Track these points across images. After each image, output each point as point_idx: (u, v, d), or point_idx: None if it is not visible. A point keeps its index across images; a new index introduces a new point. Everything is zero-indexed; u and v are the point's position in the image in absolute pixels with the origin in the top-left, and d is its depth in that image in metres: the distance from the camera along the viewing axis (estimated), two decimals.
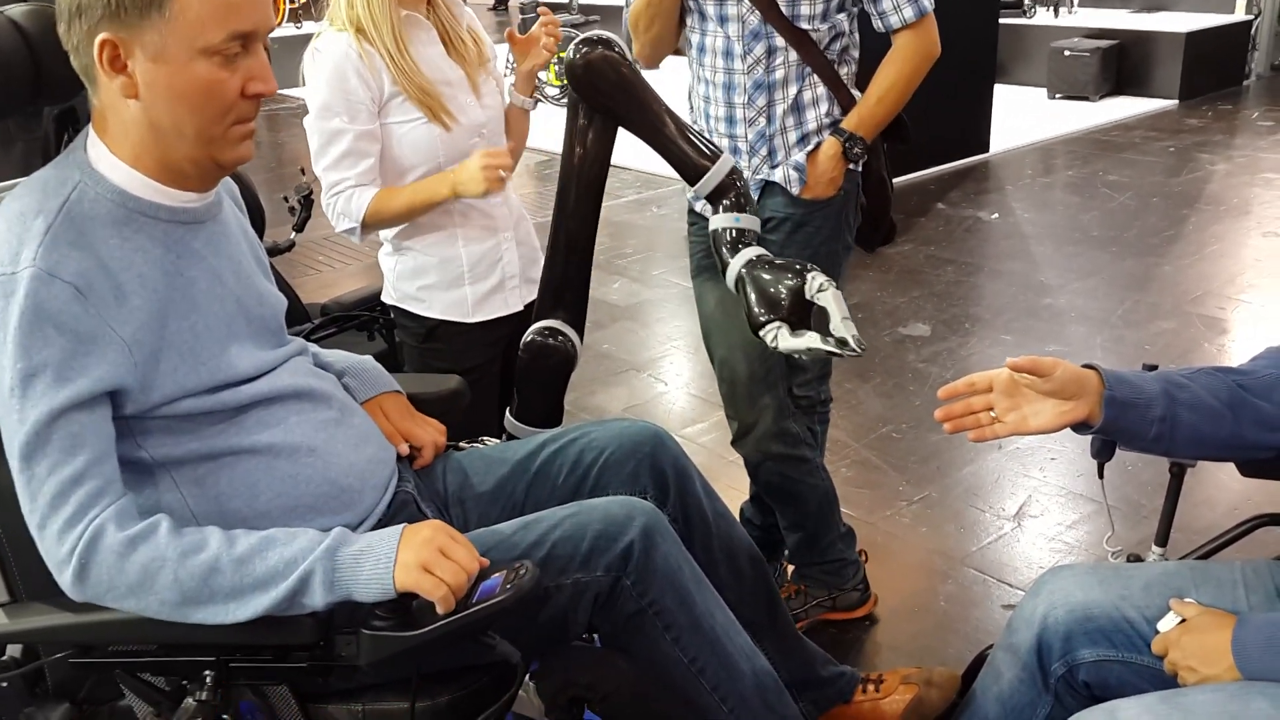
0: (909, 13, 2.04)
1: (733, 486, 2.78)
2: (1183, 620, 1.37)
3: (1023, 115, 7.64)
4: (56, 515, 1.19)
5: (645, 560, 1.37)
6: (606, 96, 1.72)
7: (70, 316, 1.20)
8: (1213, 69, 8.38)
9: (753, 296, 1.62)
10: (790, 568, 2.48)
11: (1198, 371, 1.43)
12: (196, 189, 1.35)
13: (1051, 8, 9.26)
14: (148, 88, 1.25)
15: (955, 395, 1.41)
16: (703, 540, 1.58)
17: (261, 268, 1.50)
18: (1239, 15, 8.65)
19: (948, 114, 6.20)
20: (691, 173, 1.74)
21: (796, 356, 1.61)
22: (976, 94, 6.57)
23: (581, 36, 1.72)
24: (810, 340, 1.53)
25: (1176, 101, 8.04)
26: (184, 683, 1.28)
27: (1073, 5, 9.32)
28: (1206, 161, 6.47)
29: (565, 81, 2.02)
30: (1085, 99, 8.08)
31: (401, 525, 1.26)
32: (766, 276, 1.63)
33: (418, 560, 1.21)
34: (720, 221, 1.72)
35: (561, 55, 2.10)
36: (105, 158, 1.30)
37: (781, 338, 1.57)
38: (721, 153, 1.75)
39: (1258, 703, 1.22)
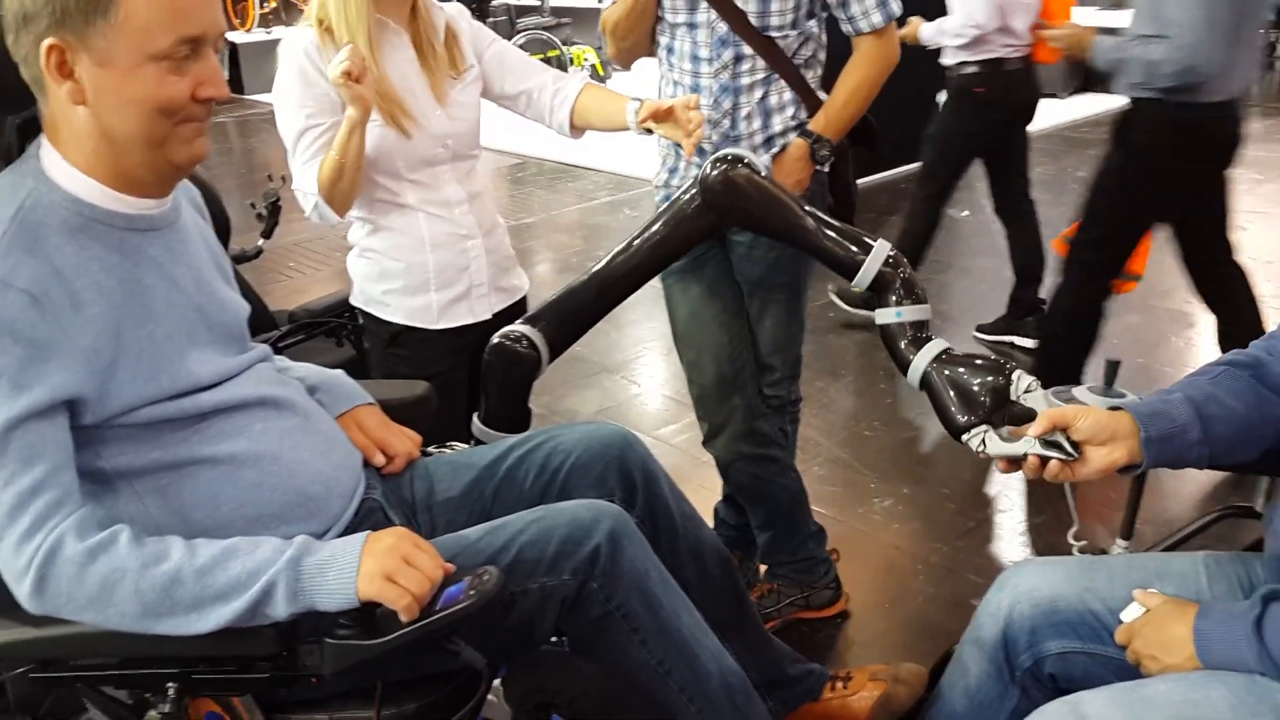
0: (878, 18, 2.06)
1: (704, 487, 2.78)
2: (1147, 610, 1.38)
3: None
4: (14, 526, 1.17)
5: (612, 564, 1.37)
6: (743, 211, 1.76)
7: (26, 324, 1.19)
8: None
9: (950, 397, 1.53)
10: (764, 567, 2.48)
11: (1220, 374, 1.44)
12: (153, 194, 1.34)
13: None
14: (96, 93, 1.24)
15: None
16: (670, 542, 1.58)
17: (223, 274, 1.49)
18: None
19: (917, 113, 6.21)
20: (846, 268, 1.69)
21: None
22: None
23: (714, 155, 1.76)
24: (1026, 445, 1.40)
25: None
26: (146, 696, 1.27)
27: None
28: None
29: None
30: (1054, 96, 8.13)
31: (365, 533, 1.26)
32: (964, 374, 1.54)
33: (380, 570, 1.20)
34: (886, 317, 1.64)
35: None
36: (58, 165, 1.28)
37: (990, 443, 1.46)
38: (874, 241, 1.70)
39: (1217, 691, 1.23)
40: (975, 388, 1.52)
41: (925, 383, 1.58)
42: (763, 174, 1.76)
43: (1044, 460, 1.39)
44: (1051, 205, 5.73)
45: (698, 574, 1.61)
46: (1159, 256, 4.77)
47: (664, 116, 1.93)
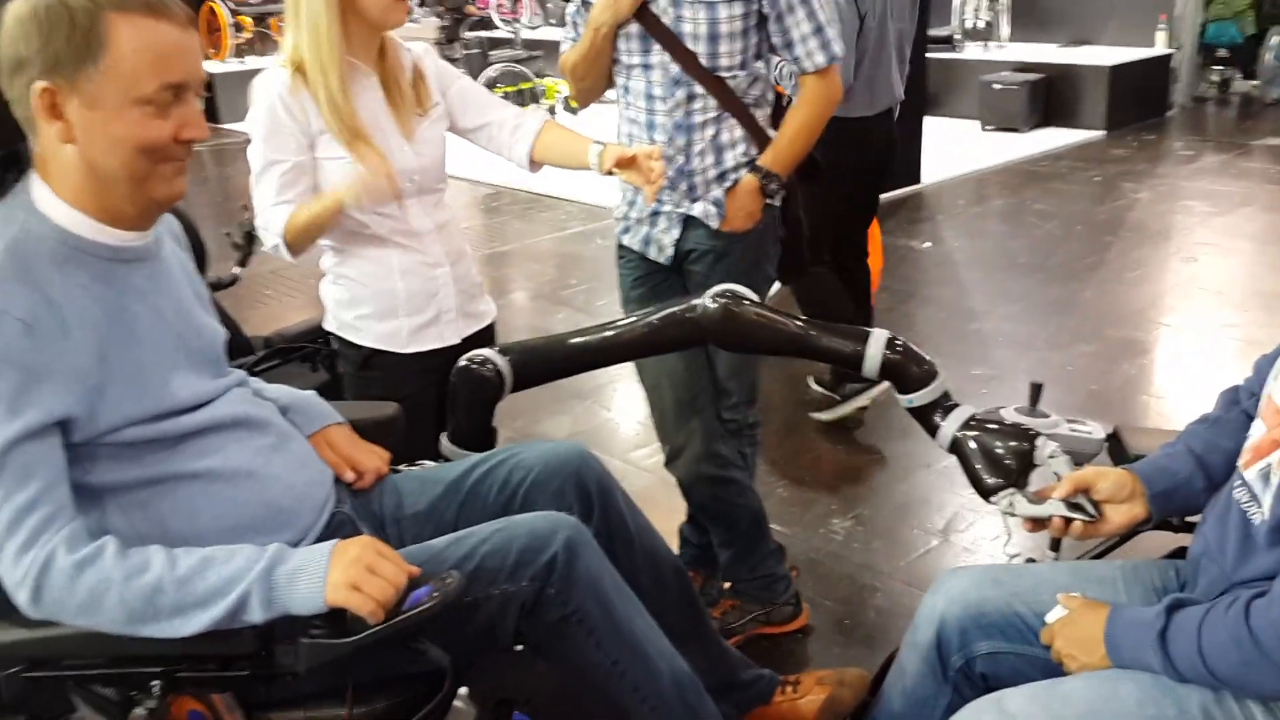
0: (821, 59, 2.19)
1: (675, 510, 2.86)
2: (1068, 613, 1.49)
3: (956, 147, 7.88)
4: (12, 540, 1.26)
5: (568, 570, 1.46)
6: (748, 338, 1.87)
7: (20, 351, 1.27)
8: (1137, 101, 8.70)
9: (979, 461, 1.65)
10: (726, 584, 2.57)
11: (1218, 418, 1.57)
12: (136, 227, 1.44)
13: (981, 42, 9.56)
14: (84, 133, 1.34)
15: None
16: (626, 552, 1.67)
17: (201, 302, 1.59)
18: (1160, 49, 9.00)
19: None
20: (852, 363, 1.79)
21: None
22: (907, 127, 6.74)
23: (711, 292, 1.86)
24: (1052, 508, 1.54)
25: (1103, 132, 8.33)
26: (132, 694, 1.35)
27: (1002, 40, 9.62)
28: (1130, 190, 6.72)
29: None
30: (1015, 130, 8.34)
31: (333, 542, 1.35)
32: (991, 440, 1.65)
33: (346, 580, 1.30)
34: (907, 402, 1.76)
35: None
36: (48, 199, 1.38)
37: (1019, 505, 1.58)
38: (869, 331, 1.78)
39: (1126, 687, 1.34)
40: (1002, 452, 1.63)
41: (954, 448, 1.70)
42: (758, 302, 1.87)
43: (1068, 520, 1.53)
44: (1009, 237, 5.91)
45: (654, 582, 1.71)
46: (1112, 288, 4.96)
47: (627, 164, 2.04)
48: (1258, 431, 1.42)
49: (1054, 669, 1.46)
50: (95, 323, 1.35)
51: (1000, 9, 9.57)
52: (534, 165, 2.24)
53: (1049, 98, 8.51)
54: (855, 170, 3.47)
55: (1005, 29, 9.62)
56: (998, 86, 8.41)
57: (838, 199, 3.38)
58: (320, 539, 1.52)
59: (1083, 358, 4.16)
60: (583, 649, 1.47)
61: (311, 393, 1.75)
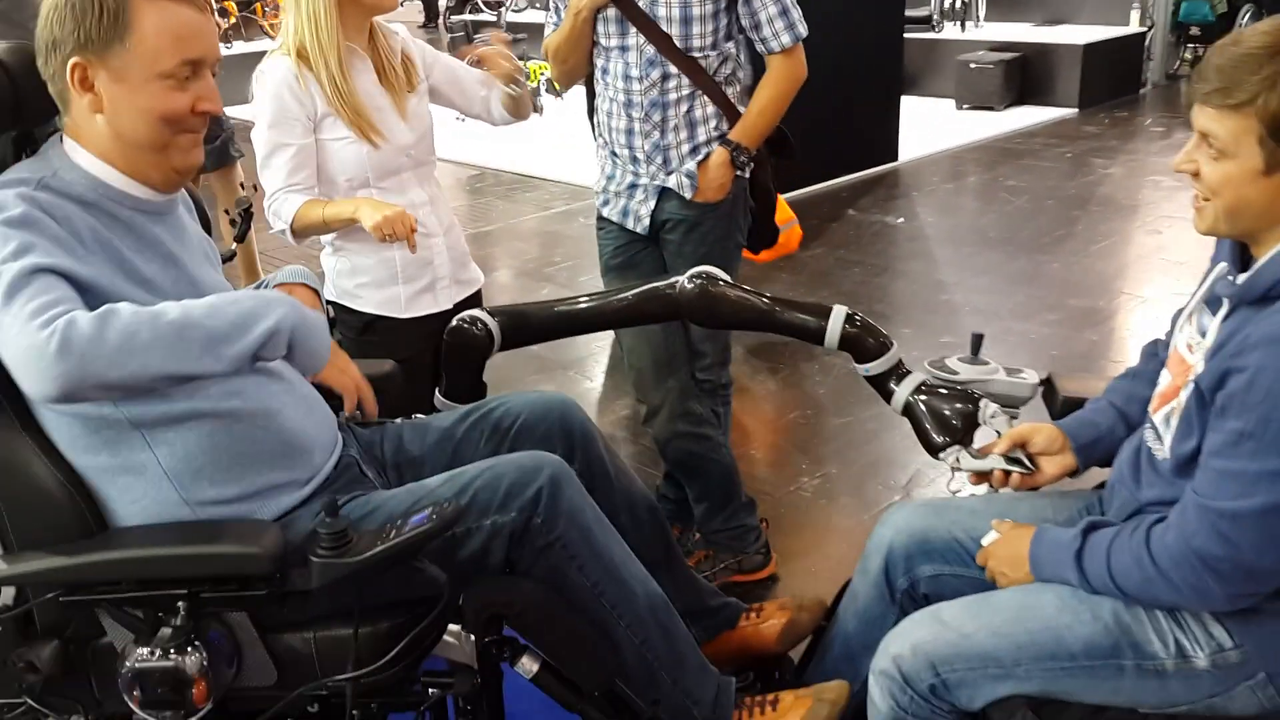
0: (786, 39, 2.35)
1: (653, 471, 3.03)
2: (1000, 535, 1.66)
3: (933, 125, 8.03)
4: (37, 318, 1.30)
5: (553, 502, 1.61)
6: (721, 314, 2.02)
7: (53, 232, 1.41)
8: (1110, 79, 8.87)
9: (928, 422, 1.83)
10: (700, 535, 2.74)
11: (1140, 369, 1.73)
12: (161, 192, 1.60)
13: (958, 23, 9.70)
14: (112, 104, 1.50)
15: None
16: (605, 490, 1.83)
17: (211, 261, 1.75)
18: (1134, 28, 9.16)
19: (858, 125, 6.56)
20: (814, 337, 1.96)
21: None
22: (884, 106, 6.93)
23: (689, 273, 2.02)
24: (993, 462, 1.71)
25: (1076, 110, 8.50)
26: (160, 614, 1.49)
27: (979, 20, 9.77)
28: (1100, 166, 6.89)
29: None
30: (991, 109, 8.50)
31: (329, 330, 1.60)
32: (939, 404, 1.82)
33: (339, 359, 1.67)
34: (863, 371, 1.92)
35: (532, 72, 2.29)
36: (80, 152, 1.54)
37: (964, 460, 1.76)
38: (830, 308, 1.94)
39: (1047, 597, 1.52)
40: (949, 414, 1.81)
41: (906, 410, 1.87)
42: (731, 282, 2.03)
43: (1007, 473, 1.71)
44: (980, 213, 6.08)
45: (630, 520, 1.87)
46: (1078, 260, 5.13)
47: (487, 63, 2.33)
48: (1165, 379, 1.59)
49: (989, 588, 1.63)
50: (113, 258, 1.48)
51: None
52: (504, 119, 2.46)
53: (1024, 76, 8.67)
54: None
55: (983, 9, 9.77)
56: (974, 66, 8.57)
57: None
58: (329, 480, 1.67)
59: (1047, 326, 4.34)
60: (566, 572, 1.63)
61: (302, 267, 1.90)
